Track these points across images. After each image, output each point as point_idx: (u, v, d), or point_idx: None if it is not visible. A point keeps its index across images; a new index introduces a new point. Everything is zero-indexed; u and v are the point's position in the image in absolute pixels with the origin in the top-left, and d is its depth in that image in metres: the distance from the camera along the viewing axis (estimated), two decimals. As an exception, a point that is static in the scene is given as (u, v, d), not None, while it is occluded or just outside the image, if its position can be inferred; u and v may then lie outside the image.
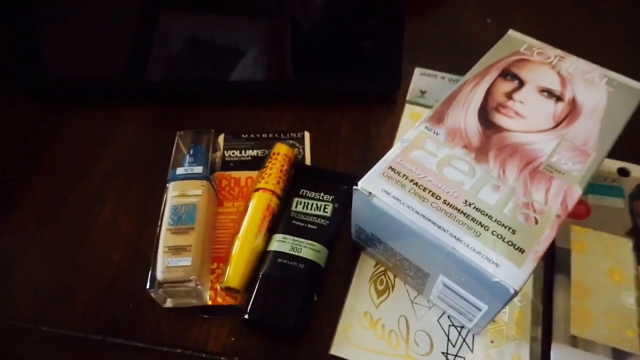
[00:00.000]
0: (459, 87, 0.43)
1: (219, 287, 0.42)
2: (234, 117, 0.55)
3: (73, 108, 0.56)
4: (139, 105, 0.56)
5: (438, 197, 0.35)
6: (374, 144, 0.53)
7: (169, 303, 0.41)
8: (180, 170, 0.45)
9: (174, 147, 0.48)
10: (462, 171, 0.37)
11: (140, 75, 0.54)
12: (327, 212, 0.44)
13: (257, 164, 0.51)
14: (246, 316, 0.39)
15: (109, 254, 0.45)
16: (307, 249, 0.42)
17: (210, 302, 0.42)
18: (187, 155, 0.46)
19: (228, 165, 0.51)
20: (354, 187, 0.36)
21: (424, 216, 0.34)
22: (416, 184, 0.36)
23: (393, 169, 0.37)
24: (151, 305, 0.42)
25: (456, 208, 0.35)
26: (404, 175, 0.37)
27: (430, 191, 0.36)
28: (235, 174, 0.50)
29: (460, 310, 0.38)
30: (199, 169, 0.45)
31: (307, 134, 0.53)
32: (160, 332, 0.41)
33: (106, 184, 0.50)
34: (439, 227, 0.34)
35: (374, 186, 0.36)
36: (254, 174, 0.50)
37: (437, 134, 0.39)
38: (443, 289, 0.37)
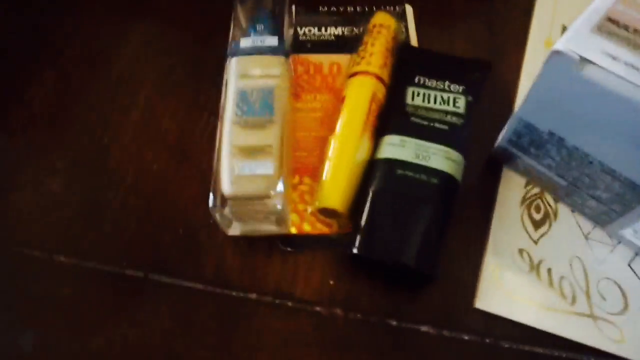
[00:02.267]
0: None
1: (309, 209, 0.30)
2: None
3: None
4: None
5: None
6: (502, 23, 0.38)
7: (235, 229, 0.29)
8: (246, 42, 0.31)
9: (233, 14, 0.33)
10: None
11: None
12: (458, 107, 0.31)
13: (343, 45, 0.36)
14: (354, 250, 0.27)
15: (146, 162, 0.32)
16: (439, 157, 0.28)
17: (294, 230, 0.30)
18: (254, 22, 0.32)
19: (303, 45, 0.36)
20: (554, 50, 0.22)
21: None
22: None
23: (612, 19, 0.23)
24: (211, 232, 0.29)
25: None
26: (634, 28, 0.22)
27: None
28: (314, 57, 0.36)
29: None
30: (272, 41, 0.31)
31: (408, 9, 0.38)
32: (225, 270, 0.29)
33: (137, 66, 0.36)
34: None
35: (588, 48, 0.22)
36: (341, 58, 0.36)
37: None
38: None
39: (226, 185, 0.26)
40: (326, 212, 0.29)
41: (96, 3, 0.39)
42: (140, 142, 0.33)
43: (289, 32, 0.33)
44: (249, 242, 0.29)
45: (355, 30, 0.37)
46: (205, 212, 0.30)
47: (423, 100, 0.31)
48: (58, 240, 0.30)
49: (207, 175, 0.31)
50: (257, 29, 0.31)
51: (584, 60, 0.21)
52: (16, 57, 0.37)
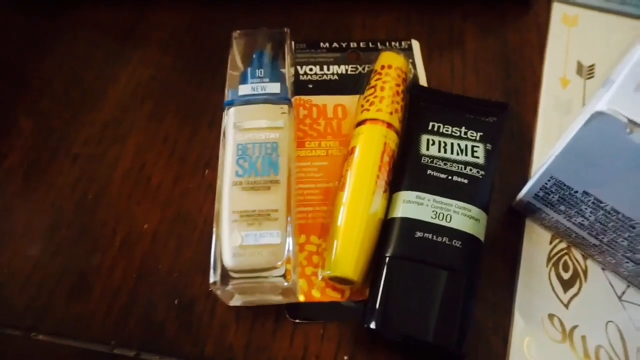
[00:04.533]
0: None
1: (320, 276, 0.27)
2: (305, 19, 0.37)
3: (73, 8, 0.38)
4: (166, 5, 0.38)
5: None
6: (516, 58, 0.36)
7: (237, 300, 0.26)
8: (245, 89, 0.28)
9: (230, 56, 0.31)
10: None
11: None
12: (477, 157, 0.28)
13: (347, 85, 0.34)
14: (372, 325, 0.24)
15: (136, 222, 0.29)
16: (460, 216, 0.26)
17: (302, 298, 0.27)
18: (253, 67, 0.29)
19: (304, 86, 0.34)
20: (597, 111, 0.20)
21: None
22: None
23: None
24: (209, 303, 0.26)
25: None
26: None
27: None
28: (317, 99, 0.34)
29: None
30: (274, 87, 0.28)
31: (415, 44, 0.36)
32: (226, 345, 0.25)
33: (125, 116, 0.33)
34: None
35: (636, 108, 0.20)
36: (345, 99, 0.33)
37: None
38: None
39: (228, 258, 0.23)
40: (337, 279, 0.26)
41: (80, 39, 0.36)
42: (129, 198, 0.30)
43: (290, 74, 0.31)
44: (253, 313, 0.26)
45: (360, 68, 0.35)
46: (203, 280, 0.27)
47: (439, 150, 0.28)
48: (37, 315, 0.27)
49: (204, 236, 0.29)
50: (257, 74, 0.29)
51: (633, 123, 0.19)
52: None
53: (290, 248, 0.24)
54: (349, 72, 0.34)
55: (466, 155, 0.28)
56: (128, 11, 0.38)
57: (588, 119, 0.20)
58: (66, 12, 0.37)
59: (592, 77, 0.34)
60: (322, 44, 0.36)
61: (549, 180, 0.24)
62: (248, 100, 0.28)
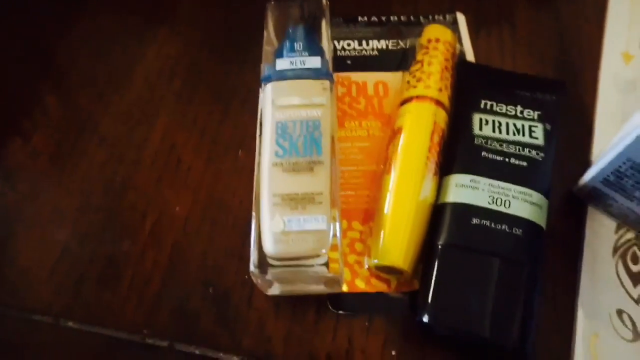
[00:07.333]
0: None
1: (366, 265, 0.25)
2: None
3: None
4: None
5: None
6: (571, 32, 0.33)
7: (275, 289, 0.24)
8: (282, 64, 0.26)
9: (265, 29, 0.29)
10: None
11: None
12: (536, 138, 0.26)
13: (388, 61, 0.32)
14: (424, 319, 0.22)
15: (167, 206, 0.27)
16: (520, 202, 0.24)
17: (345, 288, 0.25)
18: (290, 40, 0.27)
19: (343, 62, 0.32)
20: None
21: None
22: None
23: None
24: (246, 292, 0.25)
25: None
26: None
27: None
28: (356, 75, 0.31)
29: None
30: (314, 62, 0.26)
31: (461, 17, 0.34)
32: (265, 337, 0.24)
33: (153, 95, 0.31)
34: None
35: None
36: (387, 76, 0.31)
37: None
38: None
39: (269, 244, 0.21)
40: (385, 269, 0.24)
41: (106, 16, 0.35)
42: (159, 181, 0.28)
43: (329, 48, 0.28)
44: (292, 303, 0.24)
45: (401, 43, 0.32)
46: (238, 267, 0.26)
47: (493, 130, 0.26)
48: (65, 302, 0.25)
49: (239, 221, 0.27)
50: (295, 47, 0.27)
51: None
52: (12, 81, 0.32)
53: (337, 234, 0.22)
54: (389, 48, 0.32)
55: (523, 135, 0.26)
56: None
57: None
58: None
59: (658, 51, 0.31)
60: (360, 18, 0.34)
61: (624, 163, 0.22)
62: (286, 75, 0.26)
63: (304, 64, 0.26)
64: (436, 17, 0.34)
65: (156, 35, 0.33)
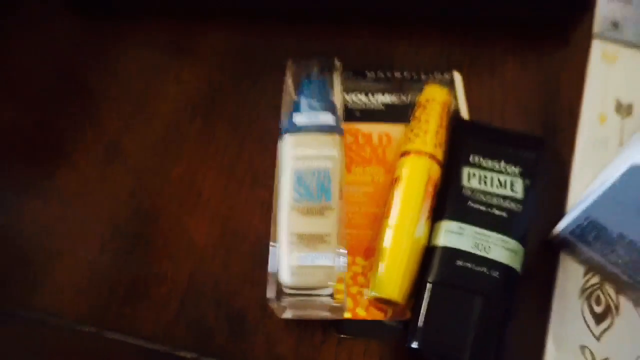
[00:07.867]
0: None
1: (365, 294, 0.29)
2: (350, 47, 0.39)
3: (131, 24, 0.40)
4: (220, 24, 0.40)
5: None
6: (554, 92, 0.37)
7: (288, 314, 0.28)
8: (300, 118, 0.31)
9: (285, 82, 0.33)
10: None
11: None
12: (516, 192, 0.30)
13: (392, 114, 0.36)
14: (414, 344, 0.26)
15: (190, 234, 0.31)
16: (499, 248, 0.28)
17: (348, 315, 0.29)
18: (305, 95, 0.31)
19: (352, 114, 0.36)
20: (635, 165, 0.22)
21: None
22: None
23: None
24: (259, 315, 0.29)
25: None
26: None
27: None
28: (363, 127, 0.36)
29: None
30: (327, 118, 0.31)
31: (457, 76, 0.38)
32: (276, 356, 0.28)
33: (176, 130, 0.35)
34: None
35: (674, 161, 0.21)
36: (390, 127, 0.35)
37: None
38: None
39: (286, 276, 0.25)
40: (382, 300, 0.28)
41: (137, 47, 0.39)
42: (182, 208, 0.32)
43: (340, 103, 0.33)
44: (301, 326, 0.28)
45: (403, 97, 0.37)
46: (251, 291, 0.29)
47: (479, 183, 0.30)
48: (101, 314, 0.29)
49: (254, 249, 0.31)
50: (311, 103, 0.31)
51: (670, 176, 0.21)
52: (56, 109, 0.36)
53: (342, 269, 0.26)
54: (393, 102, 0.37)
55: (505, 188, 0.30)
56: (183, 27, 0.40)
57: (625, 171, 0.22)
58: (123, 30, 0.40)
59: (630, 115, 0.35)
60: (367, 73, 0.38)
61: (585, 220, 0.26)
62: (302, 129, 0.30)
63: (318, 119, 0.30)
64: (435, 74, 0.38)
65: (179, 74, 0.37)
